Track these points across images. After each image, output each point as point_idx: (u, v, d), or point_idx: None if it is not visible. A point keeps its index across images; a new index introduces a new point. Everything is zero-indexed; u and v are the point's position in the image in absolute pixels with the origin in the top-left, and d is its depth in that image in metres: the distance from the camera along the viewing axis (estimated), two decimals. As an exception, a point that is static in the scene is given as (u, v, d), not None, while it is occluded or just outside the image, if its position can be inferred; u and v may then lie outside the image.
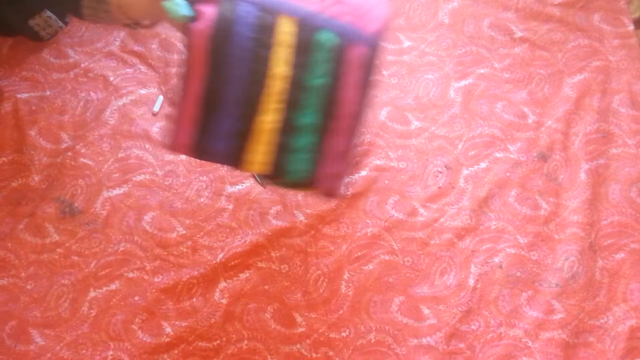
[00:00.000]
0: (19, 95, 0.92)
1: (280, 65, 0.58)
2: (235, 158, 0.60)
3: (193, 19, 0.58)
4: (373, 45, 0.61)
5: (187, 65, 0.59)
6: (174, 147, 0.62)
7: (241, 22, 0.57)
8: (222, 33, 0.57)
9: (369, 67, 0.61)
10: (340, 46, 0.59)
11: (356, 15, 0.61)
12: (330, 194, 0.64)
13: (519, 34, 0.98)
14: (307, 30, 0.58)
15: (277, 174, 0.61)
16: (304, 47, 0.58)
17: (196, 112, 0.59)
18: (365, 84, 0.61)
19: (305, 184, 0.62)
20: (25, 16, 0.90)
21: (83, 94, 0.93)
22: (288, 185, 0.66)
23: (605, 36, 0.98)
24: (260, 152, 0.60)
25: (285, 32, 0.58)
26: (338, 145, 0.61)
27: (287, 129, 0.60)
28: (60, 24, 0.94)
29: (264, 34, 0.58)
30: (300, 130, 0.60)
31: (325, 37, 0.59)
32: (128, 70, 0.95)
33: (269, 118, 0.59)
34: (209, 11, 0.57)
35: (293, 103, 0.59)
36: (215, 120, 0.59)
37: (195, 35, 0.57)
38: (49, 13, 0.91)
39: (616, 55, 0.97)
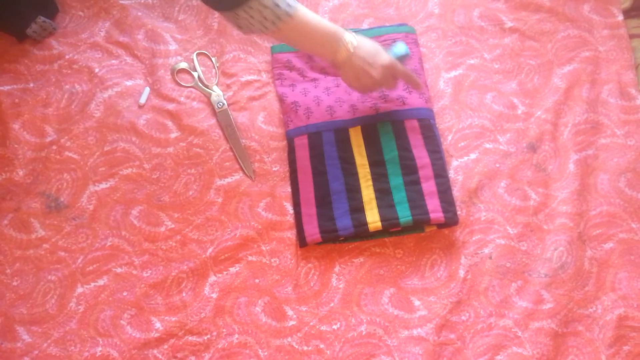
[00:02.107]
0: (1, 88, 0.90)
1: (360, 158, 0.84)
2: (359, 226, 0.80)
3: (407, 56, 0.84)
4: (420, 115, 0.86)
5: (297, 178, 0.84)
6: (308, 242, 0.80)
7: (327, 142, 0.85)
8: (317, 152, 0.84)
9: (423, 129, 0.85)
10: (395, 126, 0.85)
11: (399, 102, 0.88)
12: (447, 224, 0.81)
13: (509, 24, 0.98)
14: (368, 128, 0.86)
15: (393, 225, 0.80)
16: (371, 139, 0.85)
17: (315, 208, 0.81)
18: (426, 141, 0.84)
19: (419, 223, 0.80)
20: (22, 27, 0.88)
21: (67, 86, 0.91)
22: (408, 230, 0.82)
23: (594, 26, 0.98)
24: (374, 214, 0.80)
25: (355, 136, 0.86)
26: (429, 188, 0.81)
27: (385, 192, 0.82)
28: (55, 25, 0.93)
29: (343, 144, 0.85)
30: (394, 189, 0.82)
31: (382, 127, 0.86)
32: (113, 61, 0.93)
33: (367, 192, 0.82)
34: (303, 142, 0.86)
35: (382, 174, 0.83)
36: (332, 208, 0.81)
37: (300, 159, 0.84)
38: (43, 18, 0.89)
39: (605, 46, 0.97)
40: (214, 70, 0.94)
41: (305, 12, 0.72)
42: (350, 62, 0.76)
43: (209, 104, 0.92)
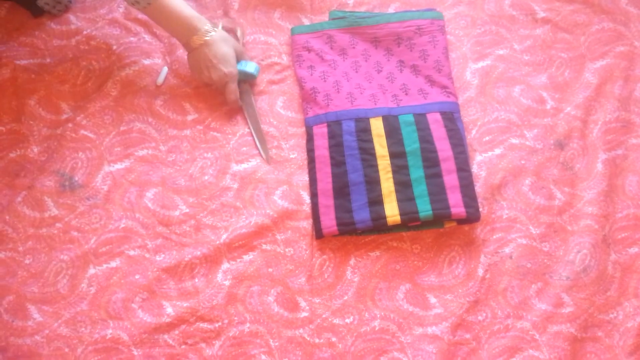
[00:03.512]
0: (17, 62, 0.88)
1: (381, 149, 0.82)
2: (377, 219, 0.78)
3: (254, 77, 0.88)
4: (443, 109, 0.84)
5: (315, 168, 0.82)
6: (324, 234, 0.78)
7: (346, 132, 0.83)
8: (336, 141, 0.82)
9: (446, 122, 0.83)
10: (418, 119, 0.83)
11: (421, 96, 0.86)
12: (468, 219, 0.79)
13: (541, 15, 0.93)
14: (390, 120, 0.84)
15: (413, 219, 0.78)
16: (393, 131, 0.83)
17: (332, 200, 0.79)
18: (450, 134, 0.82)
19: (439, 218, 0.78)
20: None
21: (85, 63, 0.89)
22: (427, 225, 0.80)
23: (631, 20, 0.94)
24: (393, 208, 0.78)
25: (376, 127, 0.83)
26: (451, 182, 0.79)
27: (406, 185, 0.80)
28: None
29: (364, 133, 0.83)
30: (414, 182, 0.79)
31: (403, 119, 0.84)
32: (132, 39, 0.91)
33: (387, 184, 0.80)
34: (323, 130, 0.84)
35: (403, 166, 0.80)
36: (350, 200, 0.79)
37: (318, 149, 0.83)
38: None
39: (642, 41, 0.92)
40: (233, 52, 0.91)
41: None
42: (199, 52, 0.82)
43: (228, 86, 0.89)
